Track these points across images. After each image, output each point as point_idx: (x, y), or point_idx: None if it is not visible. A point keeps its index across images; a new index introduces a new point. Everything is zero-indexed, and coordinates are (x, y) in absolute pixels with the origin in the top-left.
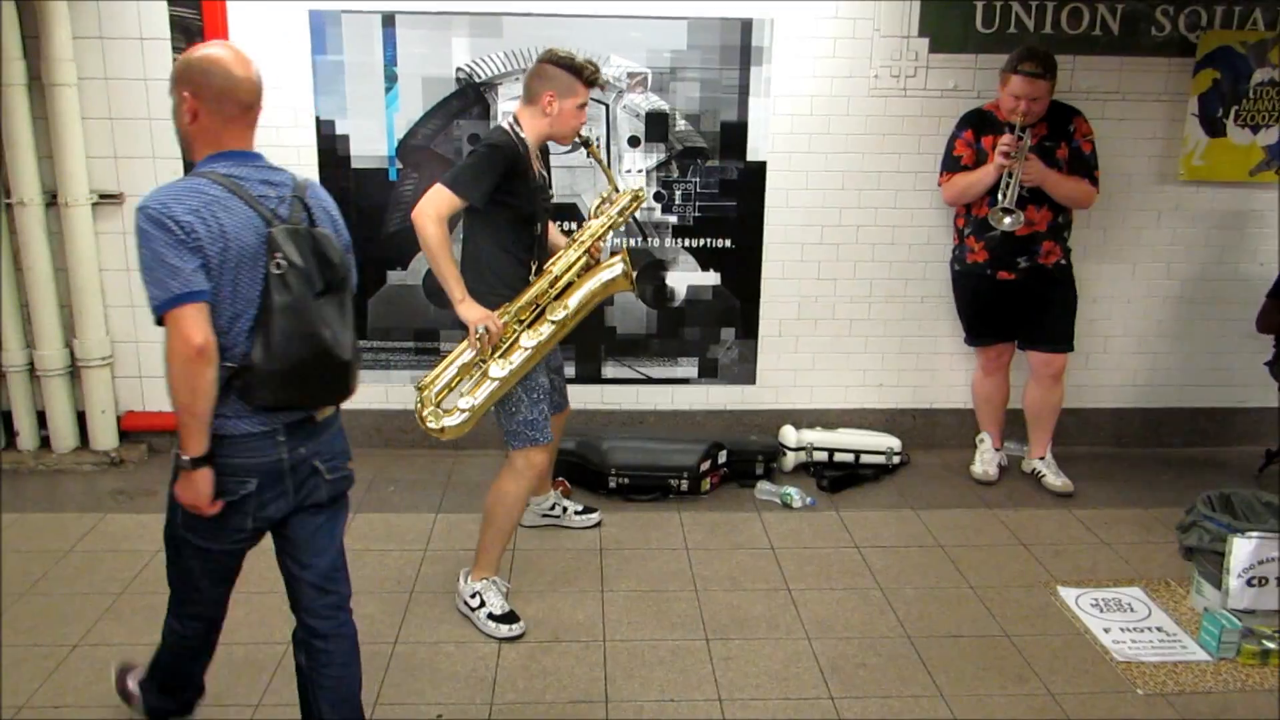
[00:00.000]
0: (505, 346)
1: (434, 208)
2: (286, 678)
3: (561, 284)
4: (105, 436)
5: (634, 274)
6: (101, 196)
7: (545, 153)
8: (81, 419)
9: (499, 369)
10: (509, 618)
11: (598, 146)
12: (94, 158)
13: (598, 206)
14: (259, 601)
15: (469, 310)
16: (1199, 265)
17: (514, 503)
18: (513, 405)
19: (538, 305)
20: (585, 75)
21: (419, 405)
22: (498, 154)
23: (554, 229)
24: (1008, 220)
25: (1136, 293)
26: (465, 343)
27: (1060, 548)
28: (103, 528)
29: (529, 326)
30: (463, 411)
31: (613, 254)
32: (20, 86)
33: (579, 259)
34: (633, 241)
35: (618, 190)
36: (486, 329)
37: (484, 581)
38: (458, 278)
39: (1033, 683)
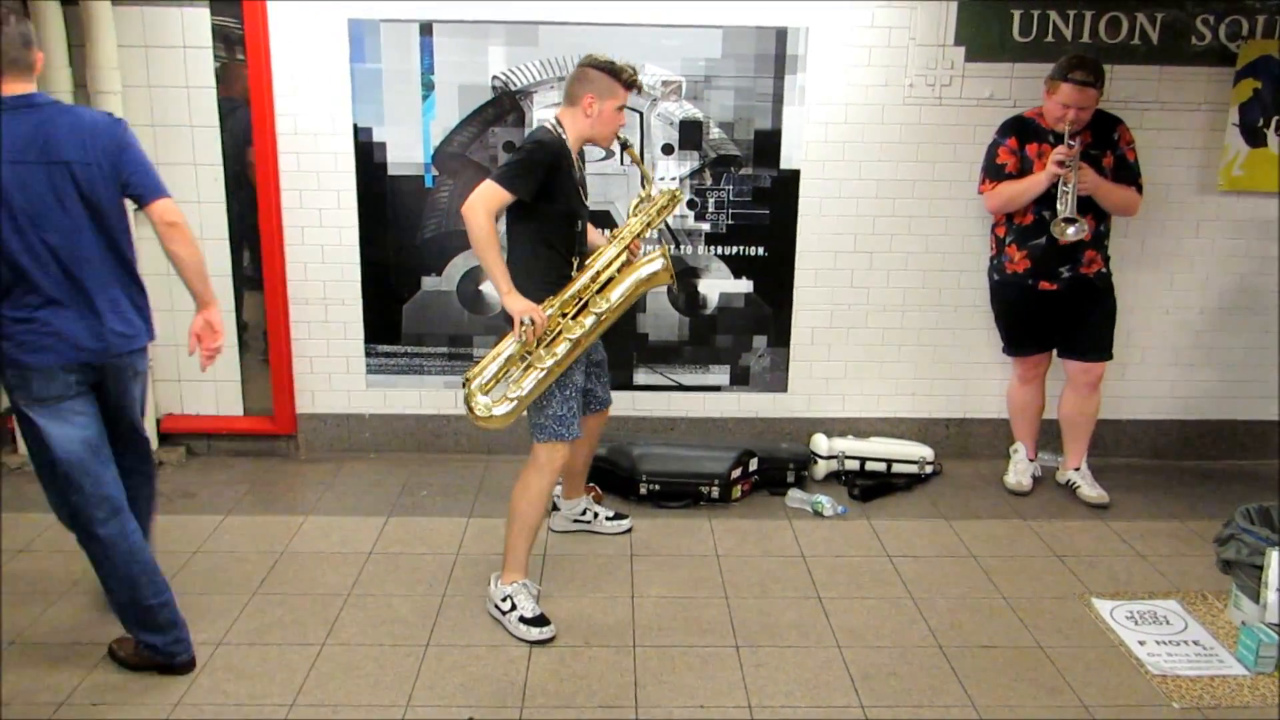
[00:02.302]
0: (550, 339)
1: (484, 202)
2: (320, 679)
3: (603, 278)
4: None
5: (673, 268)
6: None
7: (581, 157)
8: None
9: (544, 359)
10: (539, 621)
11: (635, 148)
12: None
13: (636, 205)
14: (294, 603)
15: (514, 302)
16: (1238, 276)
17: (537, 498)
18: (544, 399)
19: (580, 299)
20: (624, 78)
21: (467, 396)
22: (544, 150)
23: (593, 229)
24: (1071, 230)
25: (1174, 303)
26: (510, 335)
27: (1095, 559)
28: None
29: (572, 319)
30: (510, 401)
31: (658, 249)
32: (66, 94)
33: (619, 255)
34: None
35: (655, 191)
36: (531, 320)
37: (515, 585)
38: (504, 270)
39: (1066, 695)
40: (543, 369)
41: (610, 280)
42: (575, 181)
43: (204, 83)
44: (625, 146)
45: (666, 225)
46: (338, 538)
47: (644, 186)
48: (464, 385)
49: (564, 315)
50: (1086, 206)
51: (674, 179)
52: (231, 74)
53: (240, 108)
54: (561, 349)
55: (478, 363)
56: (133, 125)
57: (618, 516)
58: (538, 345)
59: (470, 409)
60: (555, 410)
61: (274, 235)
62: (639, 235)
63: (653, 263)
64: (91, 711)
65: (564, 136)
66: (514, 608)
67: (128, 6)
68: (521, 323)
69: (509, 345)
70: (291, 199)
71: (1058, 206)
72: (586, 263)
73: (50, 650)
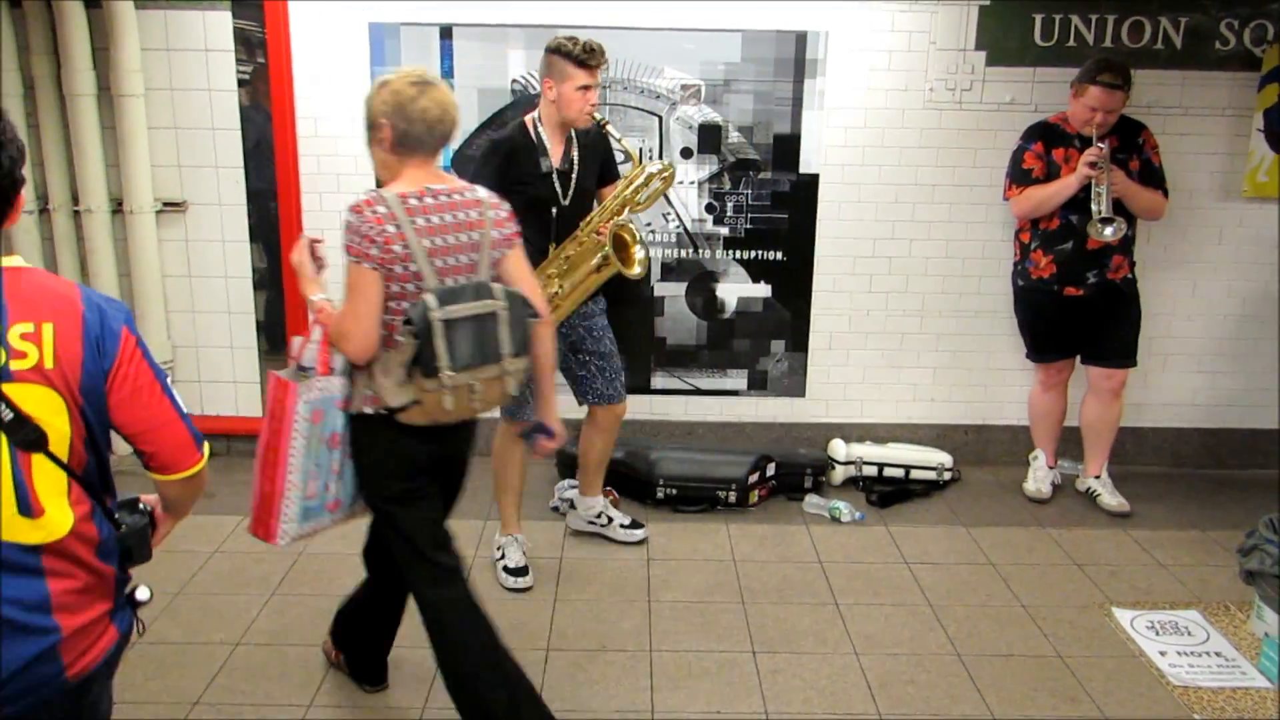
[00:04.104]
0: None
1: None
2: (337, 679)
3: (569, 264)
4: None
5: (637, 254)
6: (165, 204)
7: (597, 143)
8: None
9: None
10: (520, 571)
11: (610, 124)
12: (158, 166)
13: (619, 185)
14: (312, 604)
15: None
16: (1261, 283)
17: (506, 460)
18: None
19: (545, 285)
20: (575, 56)
21: None
22: (493, 148)
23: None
24: (1109, 230)
25: (1197, 310)
26: None
27: (1115, 568)
28: None
29: None
30: None
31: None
32: (90, 97)
33: (586, 239)
34: (684, 252)
35: (637, 165)
36: None
37: (507, 538)
38: None
39: (1085, 705)
40: None
41: (575, 265)
42: (543, 170)
43: (226, 85)
44: (602, 125)
45: (685, 229)
46: (355, 539)
47: (634, 165)
48: None
49: None
50: (1116, 210)
51: (692, 183)
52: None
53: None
54: None
55: None
56: (155, 128)
57: (634, 525)
58: None
59: None
60: None
61: (294, 237)
62: (608, 217)
63: (599, 251)
64: (112, 711)
65: (539, 128)
66: (503, 557)
67: (150, 10)
68: None
69: None
70: (311, 201)
71: (1092, 207)
72: (559, 247)
73: None
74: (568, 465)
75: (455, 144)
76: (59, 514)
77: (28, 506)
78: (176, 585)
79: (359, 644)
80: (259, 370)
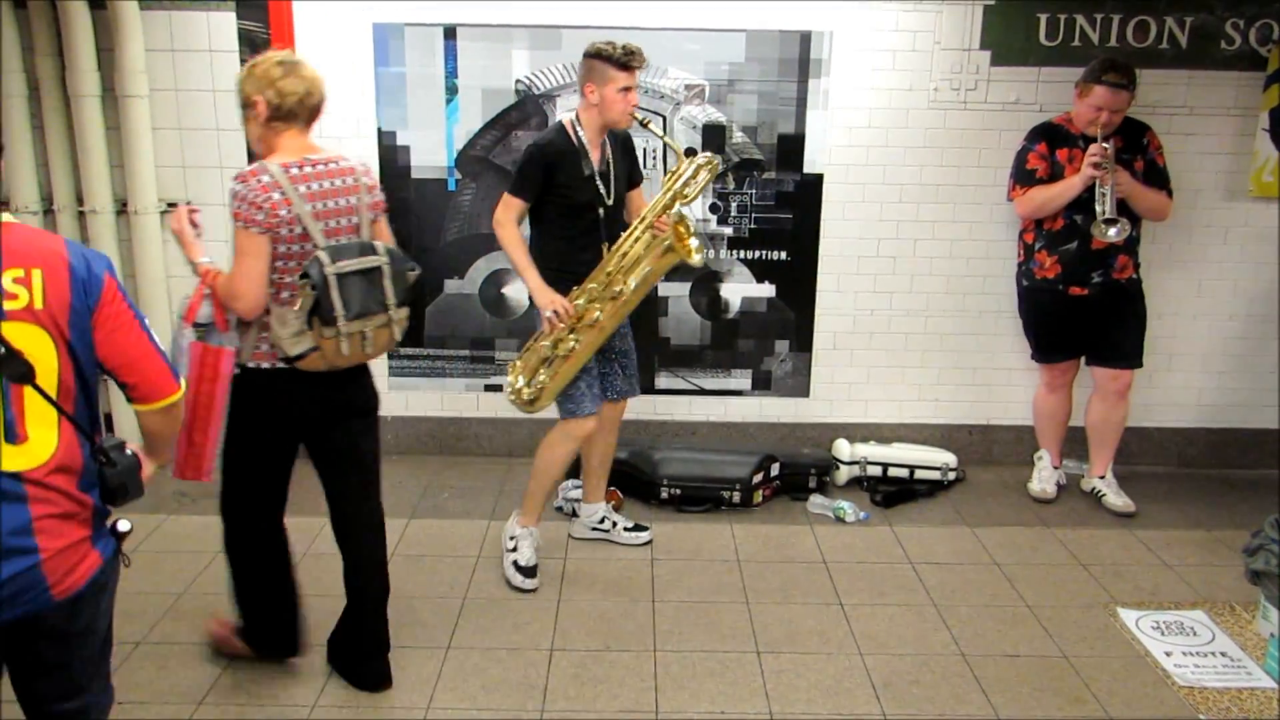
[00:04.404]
0: (578, 325)
1: (503, 214)
2: (342, 680)
3: (629, 260)
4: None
5: (693, 244)
6: (169, 205)
7: (617, 147)
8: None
9: (569, 344)
10: (530, 571)
11: (654, 123)
12: (162, 167)
13: (665, 180)
14: (315, 605)
15: (539, 296)
16: (1267, 283)
17: (558, 458)
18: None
19: (607, 281)
20: (616, 59)
21: (510, 385)
22: (539, 152)
23: (642, 202)
24: (1113, 231)
25: (1202, 310)
26: (546, 324)
27: (1120, 568)
28: (165, 529)
29: (598, 303)
30: (543, 386)
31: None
32: (94, 98)
33: (641, 234)
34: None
35: (682, 160)
36: (555, 312)
37: (524, 530)
38: (531, 268)
39: (1091, 705)
40: (567, 354)
41: (636, 260)
42: (585, 174)
43: (230, 86)
44: (644, 124)
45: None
46: None
47: (679, 160)
48: (509, 374)
49: (590, 301)
50: (1120, 211)
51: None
52: None
53: None
54: (585, 335)
55: (521, 356)
56: (159, 128)
57: (638, 528)
58: (570, 333)
59: (516, 393)
60: (566, 390)
61: None
62: (662, 211)
63: (663, 241)
64: (115, 710)
65: (579, 131)
66: (515, 549)
67: (155, 11)
68: (548, 316)
69: (542, 336)
70: None
71: (1096, 208)
72: (615, 245)
73: None
74: (573, 465)
75: (459, 145)
76: (42, 442)
77: (13, 434)
78: (181, 585)
79: (260, 611)
80: None
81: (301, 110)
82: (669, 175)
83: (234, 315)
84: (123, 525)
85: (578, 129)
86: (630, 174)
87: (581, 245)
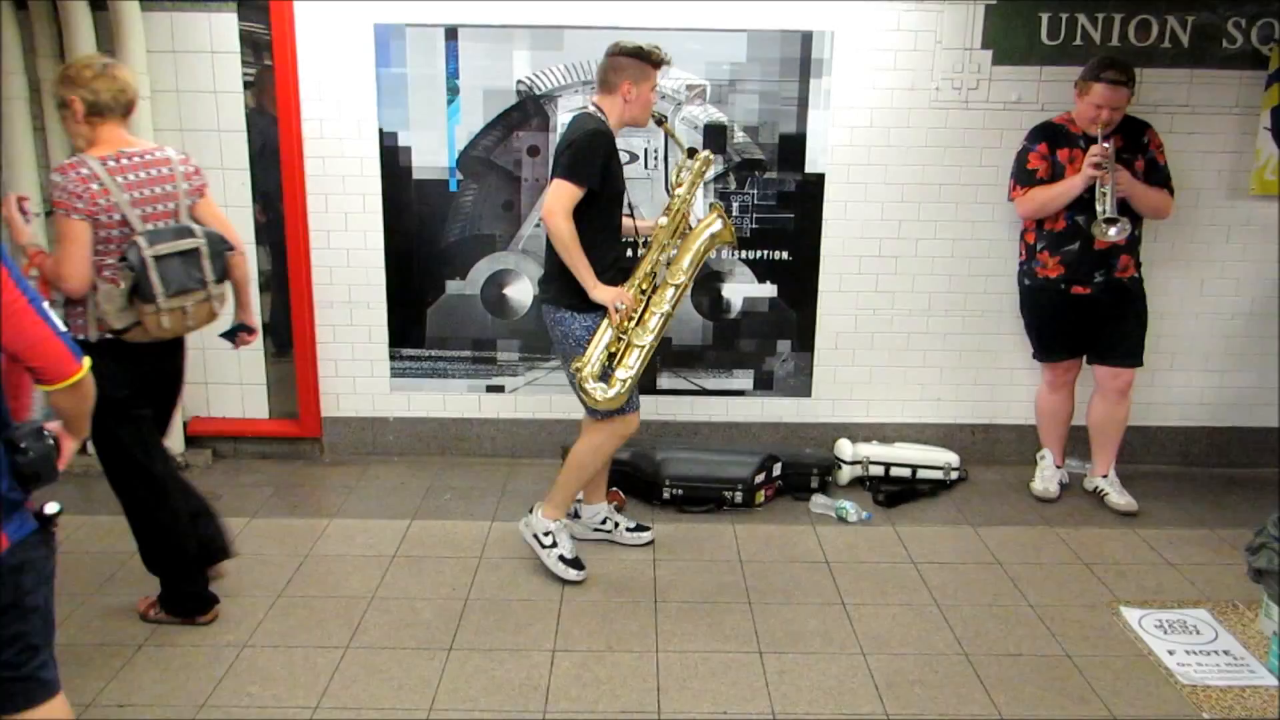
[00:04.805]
0: (639, 316)
1: (559, 203)
2: (344, 681)
3: (670, 250)
4: (171, 442)
5: (732, 227)
6: None
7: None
8: None
9: (642, 336)
10: (578, 563)
11: (670, 124)
12: None
13: (678, 174)
14: (318, 606)
15: (602, 293)
16: (1268, 282)
17: (597, 452)
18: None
19: (655, 273)
20: (653, 59)
21: (579, 384)
22: (600, 138)
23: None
24: (1113, 231)
25: (1204, 309)
26: (605, 321)
27: (1123, 567)
28: None
29: (655, 292)
30: (621, 380)
31: (711, 211)
32: None
33: (679, 225)
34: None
35: (691, 156)
36: (619, 304)
37: (558, 523)
38: (588, 266)
39: (1094, 704)
40: (641, 345)
41: (678, 250)
42: (621, 164)
43: (232, 88)
44: (660, 122)
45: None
46: (362, 541)
47: (689, 157)
48: (575, 374)
49: (642, 291)
50: (1121, 210)
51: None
52: None
53: None
54: (653, 323)
55: (584, 353)
56: (161, 130)
57: (639, 528)
58: (634, 324)
59: (587, 394)
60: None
61: (300, 239)
62: (689, 200)
63: (712, 225)
64: (118, 713)
65: (606, 121)
66: (555, 544)
67: (156, 12)
68: (615, 309)
69: (607, 332)
70: (317, 203)
71: (1097, 207)
72: (651, 239)
73: (78, 651)
74: None
75: (461, 145)
76: None
77: None
78: None
79: (171, 573)
80: (265, 372)
81: (116, 106)
82: (681, 169)
83: (60, 294)
84: (50, 508)
85: (604, 120)
86: None
87: (615, 238)
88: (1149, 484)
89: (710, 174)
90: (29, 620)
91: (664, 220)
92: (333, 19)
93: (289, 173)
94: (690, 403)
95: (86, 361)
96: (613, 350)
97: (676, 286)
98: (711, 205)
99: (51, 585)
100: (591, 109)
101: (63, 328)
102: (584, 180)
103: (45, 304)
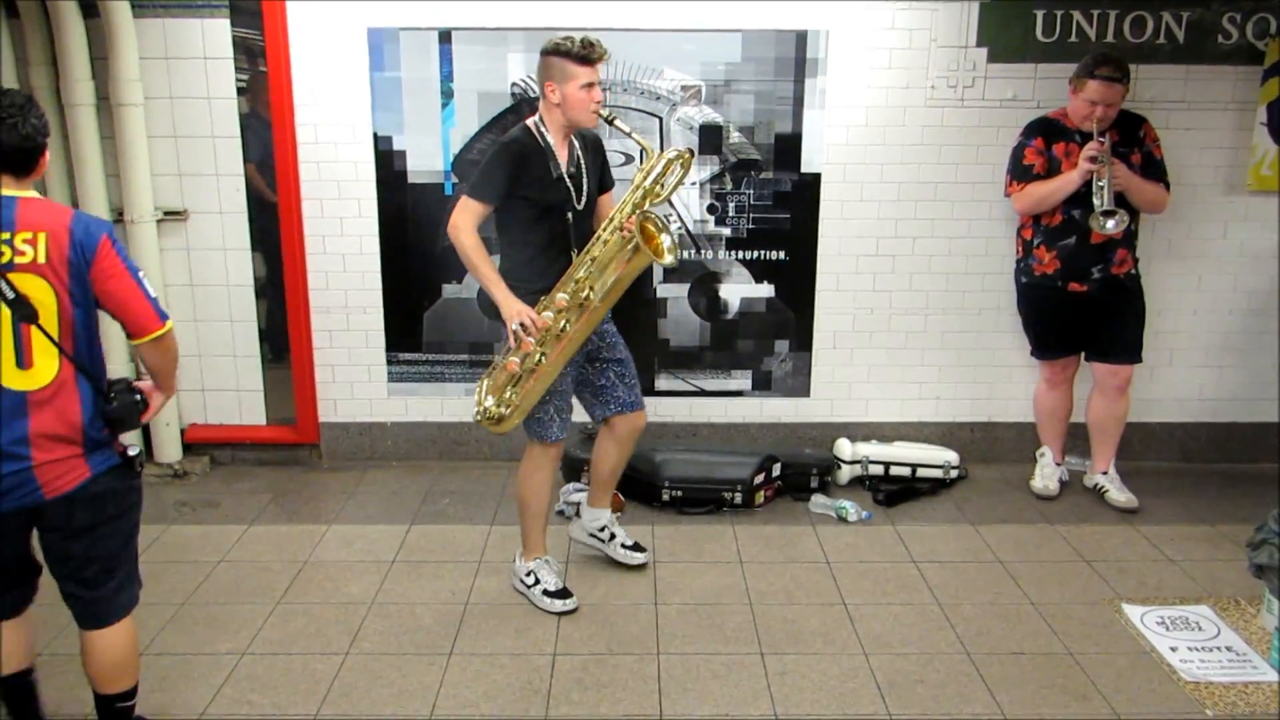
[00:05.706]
0: (549, 337)
1: (462, 219)
2: (344, 688)
3: (597, 265)
4: (169, 449)
5: (664, 243)
6: (166, 213)
7: (597, 145)
8: (146, 432)
9: (535, 360)
10: (563, 594)
11: (620, 119)
12: (159, 175)
13: (635, 178)
14: (317, 612)
15: (506, 308)
16: (1267, 277)
17: (537, 487)
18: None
19: (577, 290)
20: (575, 54)
21: (477, 403)
22: (505, 152)
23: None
24: (1111, 223)
25: (1202, 304)
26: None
27: (1124, 564)
28: (166, 539)
29: (567, 313)
30: (511, 405)
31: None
32: (89, 106)
33: (609, 237)
34: (686, 254)
35: (652, 155)
36: (521, 324)
37: (536, 561)
38: (496, 279)
39: (1097, 702)
40: (533, 369)
41: (604, 265)
42: (554, 175)
43: (225, 94)
44: (610, 121)
45: (686, 230)
46: (360, 546)
47: (643, 160)
48: (476, 392)
49: (559, 311)
50: (1118, 204)
51: (693, 184)
52: None
53: None
54: (552, 348)
55: (488, 374)
56: (154, 137)
57: (636, 547)
58: (540, 345)
59: (483, 412)
60: (534, 413)
61: (295, 244)
62: (632, 212)
63: (629, 242)
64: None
65: (544, 131)
66: (537, 582)
67: (149, 18)
68: (514, 329)
69: (511, 350)
70: (312, 208)
71: (1094, 201)
72: (584, 250)
73: (77, 660)
74: (573, 469)
75: (455, 149)
76: (45, 369)
77: (23, 361)
78: (182, 596)
79: None
80: (261, 379)
81: None
82: (638, 172)
83: None
84: (132, 450)
85: (543, 130)
86: (601, 178)
87: (551, 255)
88: (1149, 480)
89: (705, 175)
90: (106, 544)
91: (603, 233)
92: (326, 23)
93: (283, 178)
94: (689, 404)
95: (169, 323)
96: (515, 372)
97: (581, 308)
98: (645, 217)
99: (134, 519)
100: (532, 122)
101: (154, 293)
102: (483, 197)
103: (141, 273)
